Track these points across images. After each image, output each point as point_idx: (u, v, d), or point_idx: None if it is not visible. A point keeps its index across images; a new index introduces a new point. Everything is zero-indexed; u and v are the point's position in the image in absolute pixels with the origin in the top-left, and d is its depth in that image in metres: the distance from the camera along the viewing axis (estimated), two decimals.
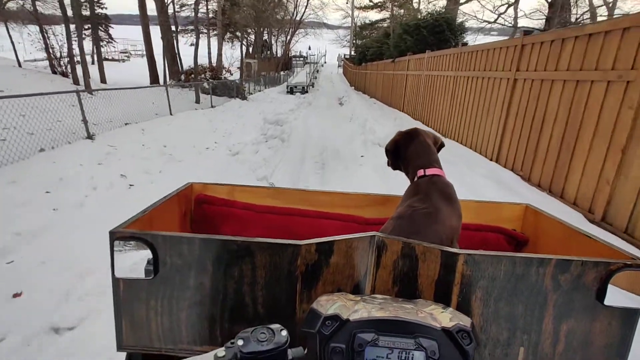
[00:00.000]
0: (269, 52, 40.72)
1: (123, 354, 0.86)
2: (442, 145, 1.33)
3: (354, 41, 46.57)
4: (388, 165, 1.35)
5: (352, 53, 41.76)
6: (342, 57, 51.52)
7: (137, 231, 0.78)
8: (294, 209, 1.32)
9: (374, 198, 1.35)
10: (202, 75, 15.63)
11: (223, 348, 0.54)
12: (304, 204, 1.34)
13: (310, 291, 0.78)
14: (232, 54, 32.89)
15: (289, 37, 41.06)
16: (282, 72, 36.07)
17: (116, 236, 0.77)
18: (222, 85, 15.31)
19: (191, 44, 24.78)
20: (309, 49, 60.02)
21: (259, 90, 21.19)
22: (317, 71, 45.81)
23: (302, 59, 51.10)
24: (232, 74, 26.23)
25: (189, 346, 0.81)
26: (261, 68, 34.33)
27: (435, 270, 0.77)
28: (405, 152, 1.26)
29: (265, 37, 38.28)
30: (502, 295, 0.77)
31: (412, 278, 0.77)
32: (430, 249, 0.76)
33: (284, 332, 0.55)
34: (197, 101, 13.43)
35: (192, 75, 15.55)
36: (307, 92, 22.50)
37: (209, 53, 17.98)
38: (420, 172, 1.18)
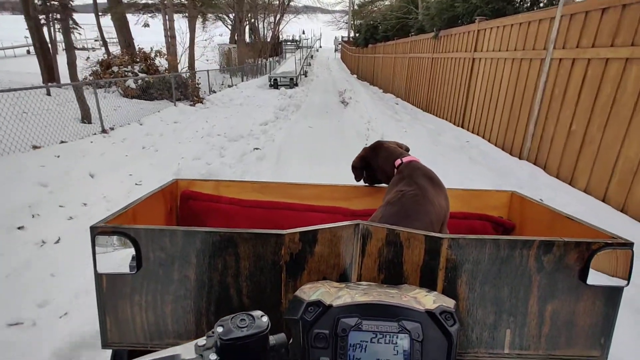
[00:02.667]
0: (254, 36, 34.95)
1: (108, 352, 0.84)
2: (407, 149, 1.37)
3: (353, 21, 40.99)
4: (357, 180, 1.39)
5: (353, 34, 36.11)
6: (340, 40, 45.66)
7: (118, 225, 0.77)
8: (281, 203, 1.32)
9: (361, 190, 1.36)
10: (127, 68, 10.10)
11: (204, 337, 0.53)
12: (291, 198, 1.34)
13: (296, 280, 0.78)
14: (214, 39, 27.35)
15: (277, 19, 35.40)
16: (270, 59, 30.42)
17: (97, 231, 0.76)
18: (160, 83, 9.80)
19: (144, 25, 19.15)
20: (303, 33, 54.77)
21: (230, 86, 15.55)
22: (312, 57, 40.16)
23: (294, 43, 45.15)
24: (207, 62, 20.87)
25: (175, 340, 0.80)
26: (245, 55, 28.72)
27: (420, 255, 0.77)
28: (376, 162, 1.31)
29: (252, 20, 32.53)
30: (487, 279, 0.78)
31: (398, 265, 0.77)
32: (414, 235, 0.77)
33: (265, 318, 0.54)
34: (86, 119, 6.86)
35: (112, 69, 10.00)
36: (296, 84, 16.95)
37: (167, 36, 12.37)
38: (398, 162, 1.22)
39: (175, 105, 9.48)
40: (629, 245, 0.77)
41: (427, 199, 1.05)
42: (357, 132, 7.38)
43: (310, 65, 31.95)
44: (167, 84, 9.77)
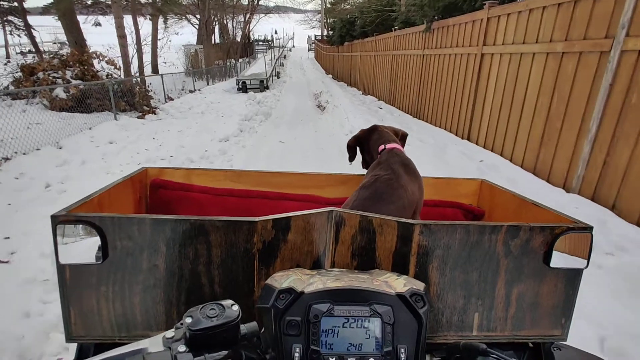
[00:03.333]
0: (223, 36, 33.02)
1: (73, 345, 0.81)
2: (404, 135, 1.42)
3: (326, 19, 39.59)
4: (350, 160, 1.41)
5: (327, 32, 34.68)
6: (314, 38, 44.19)
7: (82, 214, 0.73)
8: (253, 191, 1.31)
9: (334, 177, 1.35)
10: (58, 74, 8.25)
11: (172, 329, 0.52)
12: (264, 186, 1.32)
13: (269, 268, 0.77)
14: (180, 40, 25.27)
15: (247, 18, 33.58)
16: (240, 60, 28.61)
17: (59, 220, 0.72)
18: (101, 91, 8.05)
19: (94, 24, 17.13)
20: (275, 32, 53.23)
21: (192, 91, 13.78)
22: (284, 57, 38.52)
23: (266, 43, 43.32)
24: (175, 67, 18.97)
25: (145, 332, 0.77)
26: (212, 56, 26.82)
27: (393, 241, 0.78)
28: (368, 144, 1.34)
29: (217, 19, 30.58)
30: (457, 264, 0.79)
31: (371, 251, 0.78)
32: (387, 221, 0.77)
33: (235, 307, 0.53)
34: None
35: (38, 75, 8.12)
36: (267, 87, 15.32)
37: (122, 36, 10.53)
38: (381, 147, 1.26)
39: (116, 118, 7.72)
40: (588, 229, 0.81)
41: (400, 184, 1.09)
42: (339, 148, 5.92)
43: (282, 65, 30.31)
44: (115, 92, 8.01)
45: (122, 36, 10.84)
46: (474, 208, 1.32)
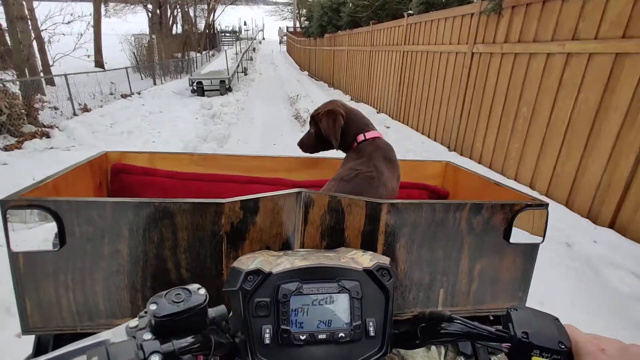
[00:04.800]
0: (184, 26, 29.20)
1: (31, 337, 0.78)
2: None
3: (299, 10, 36.34)
4: (302, 145, 1.33)
5: (299, 24, 31.57)
6: (285, 30, 40.82)
7: (35, 198, 0.70)
8: (221, 175, 1.28)
9: (303, 161, 1.34)
10: None
11: (135, 318, 0.50)
12: (232, 170, 1.30)
13: (237, 251, 0.76)
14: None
15: (211, 5, 29.96)
16: (205, 52, 25.06)
17: (10, 205, 0.68)
18: None
19: None
20: (245, 24, 49.62)
21: (126, 95, 10.36)
22: (254, 50, 35.05)
23: (233, 34, 39.54)
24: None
25: (109, 320, 0.75)
26: (167, 49, 23.17)
27: (361, 221, 0.78)
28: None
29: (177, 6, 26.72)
30: (423, 242, 0.81)
31: (339, 231, 0.78)
32: (355, 200, 0.78)
33: (202, 291, 0.51)
34: None
35: None
36: (230, 89, 12.12)
37: (22, 18, 7.10)
38: (360, 137, 1.19)
39: None
40: (544, 205, 0.85)
41: (381, 182, 1.08)
42: None
43: (252, 59, 26.97)
44: None
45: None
46: (439, 189, 1.35)
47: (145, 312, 0.49)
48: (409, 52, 6.65)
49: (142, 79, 15.97)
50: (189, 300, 0.49)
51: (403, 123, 7.02)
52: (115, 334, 0.48)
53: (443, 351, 0.97)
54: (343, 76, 11.97)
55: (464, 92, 5.01)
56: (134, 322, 0.49)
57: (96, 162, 1.13)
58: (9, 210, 0.68)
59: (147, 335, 0.46)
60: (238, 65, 16.57)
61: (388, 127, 6.91)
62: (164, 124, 7.54)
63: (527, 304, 0.80)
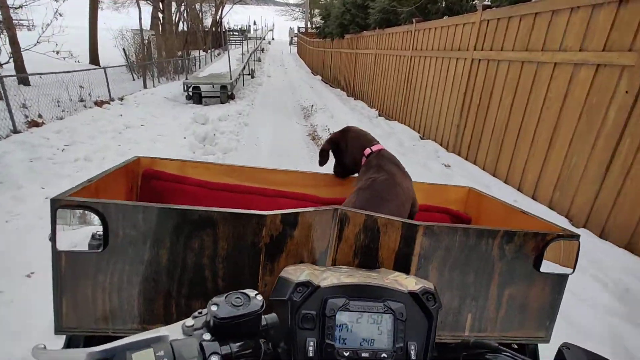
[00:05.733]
0: (189, 21, 27.38)
1: (61, 338, 0.78)
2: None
3: (310, 10, 34.42)
4: (321, 165, 1.38)
5: (311, 23, 29.67)
6: (297, 31, 38.92)
7: (85, 199, 0.70)
8: (249, 187, 1.29)
9: (330, 178, 1.36)
10: None
11: (191, 317, 0.51)
12: (260, 182, 1.31)
13: (273, 263, 0.76)
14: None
15: (218, 1, 28.14)
16: (212, 51, 23.20)
17: (60, 204, 0.68)
18: None
19: None
20: (254, 23, 48.05)
21: (105, 102, 8.41)
22: (262, 50, 33.21)
23: (242, 33, 37.67)
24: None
25: (141, 325, 0.74)
26: (169, 46, 21.33)
27: (396, 241, 0.78)
28: (346, 146, 1.31)
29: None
30: (456, 265, 0.81)
31: (373, 250, 0.78)
32: (391, 221, 0.78)
33: (259, 297, 0.52)
34: None
35: None
36: (232, 97, 10.17)
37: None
38: (367, 151, 1.24)
39: None
40: (576, 237, 0.84)
41: (395, 182, 1.11)
42: None
43: (260, 61, 25.11)
44: None
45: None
46: (461, 214, 1.33)
47: (200, 313, 0.50)
48: (482, 62, 4.69)
49: (134, 80, 14.21)
50: (248, 305, 0.49)
51: (467, 160, 5.05)
52: (171, 331, 0.48)
53: None
54: (368, 86, 10.01)
55: (601, 127, 3.05)
56: (190, 322, 0.49)
57: (130, 167, 1.14)
58: (58, 210, 0.67)
59: (207, 336, 0.47)
60: (244, 67, 14.67)
61: (448, 166, 4.94)
62: (140, 146, 5.63)
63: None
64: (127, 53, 14.54)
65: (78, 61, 9.09)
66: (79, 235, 0.72)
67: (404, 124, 7.25)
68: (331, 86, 15.11)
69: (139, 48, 19.14)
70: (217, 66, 12.10)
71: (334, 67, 15.18)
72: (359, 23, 10.53)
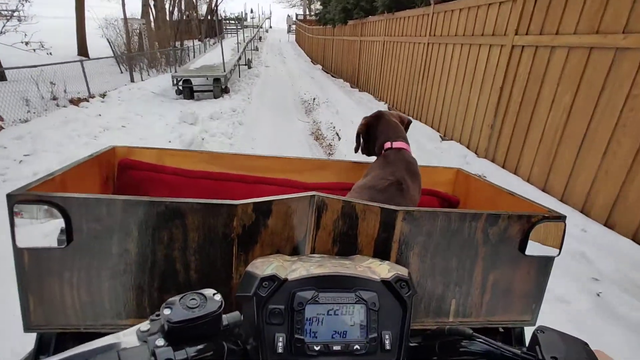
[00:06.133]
0: (190, 11, 26.22)
1: (32, 335, 0.75)
2: (409, 122, 1.39)
3: None
4: (360, 151, 1.38)
5: (308, 10, 28.51)
6: (295, 18, 37.59)
7: (43, 193, 0.66)
8: (230, 174, 1.25)
9: (312, 162, 1.34)
10: None
11: (147, 321, 0.48)
12: (241, 169, 1.28)
13: (248, 254, 0.73)
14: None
15: None
16: (202, 41, 22.11)
17: (17, 199, 0.65)
18: None
19: None
20: (251, 11, 46.94)
21: (89, 98, 7.51)
22: (260, 39, 32.02)
23: (238, 22, 36.26)
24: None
25: (113, 320, 0.73)
26: (168, 36, 20.27)
27: (375, 227, 0.77)
28: (375, 132, 1.29)
29: None
30: (437, 251, 0.79)
31: (352, 237, 0.77)
32: (370, 207, 0.76)
33: (218, 297, 0.49)
34: None
35: None
36: (226, 90, 9.25)
37: None
38: (387, 145, 1.22)
39: None
40: (562, 218, 0.82)
41: (409, 193, 1.10)
42: None
43: (257, 50, 24.01)
44: None
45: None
46: (449, 196, 1.32)
47: (157, 316, 0.47)
48: (527, 49, 3.81)
49: (122, 72, 13.26)
50: (204, 307, 0.47)
51: (504, 168, 4.21)
52: (126, 337, 0.46)
53: None
54: (375, 76, 9.11)
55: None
56: (145, 326, 0.47)
57: (104, 156, 1.11)
58: (15, 205, 0.65)
59: (160, 341, 0.45)
60: (240, 57, 13.69)
61: (483, 176, 4.11)
62: None
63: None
64: (112, 43, 13.49)
65: (50, 53, 8.17)
66: (43, 230, 0.67)
67: (420, 120, 6.39)
68: (333, 76, 14.16)
69: (128, 38, 18.14)
70: (211, 57, 11.15)
71: (335, 56, 14.21)
72: (364, 7, 9.58)
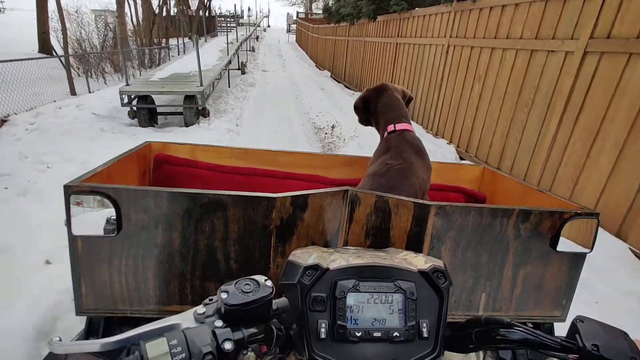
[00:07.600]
0: (180, 6, 23.19)
1: (82, 318, 0.80)
2: (410, 98, 1.36)
3: None
4: (360, 122, 1.39)
5: (310, 7, 25.67)
6: (295, 16, 34.60)
7: (97, 184, 0.71)
8: (260, 169, 1.30)
9: (339, 159, 1.36)
10: None
11: (202, 305, 0.51)
12: (270, 165, 1.32)
13: (285, 245, 0.77)
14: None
15: None
16: (191, 38, 19.18)
17: (73, 190, 0.70)
18: None
19: None
20: (248, 9, 44.23)
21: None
22: (257, 38, 29.00)
23: (233, 19, 33.23)
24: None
25: (157, 306, 0.77)
26: (153, 33, 17.19)
27: (408, 222, 0.78)
28: (375, 107, 1.29)
29: None
30: (469, 245, 0.81)
31: (385, 230, 0.78)
32: (403, 201, 0.77)
33: (269, 283, 0.52)
34: None
35: None
36: (203, 112, 6.25)
37: None
38: (391, 127, 1.21)
39: None
40: (595, 215, 0.82)
41: (412, 173, 1.09)
42: None
43: (253, 50, 21.01)
44: None
45: None
46: (476, 193, 1.33)
47: (210, 300, 0.51)
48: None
49: (79, 76, 10.28)
50: (258, 292, 0.49)
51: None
52: (184, 319, 0.48)
53: (482, 355, 0.89)
54: (432, 100, 6.18)
55: None
56: (201, 309, 0.50)
57: (141, 152, 1.15)
58: (71, 195, 0.68)
59: (219, 323, 0.48)
60: (231, 61, 10.74)
61: None
62: None
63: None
64: (60, 39, 10.44)
65: None
66: (94, 219, 0.70)
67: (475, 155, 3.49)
68: (347, 87, 11.25)
69: (102, 34, 15.16)
70: (184, 63, 8.05)
71: (350, 62, 11.28)
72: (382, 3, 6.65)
